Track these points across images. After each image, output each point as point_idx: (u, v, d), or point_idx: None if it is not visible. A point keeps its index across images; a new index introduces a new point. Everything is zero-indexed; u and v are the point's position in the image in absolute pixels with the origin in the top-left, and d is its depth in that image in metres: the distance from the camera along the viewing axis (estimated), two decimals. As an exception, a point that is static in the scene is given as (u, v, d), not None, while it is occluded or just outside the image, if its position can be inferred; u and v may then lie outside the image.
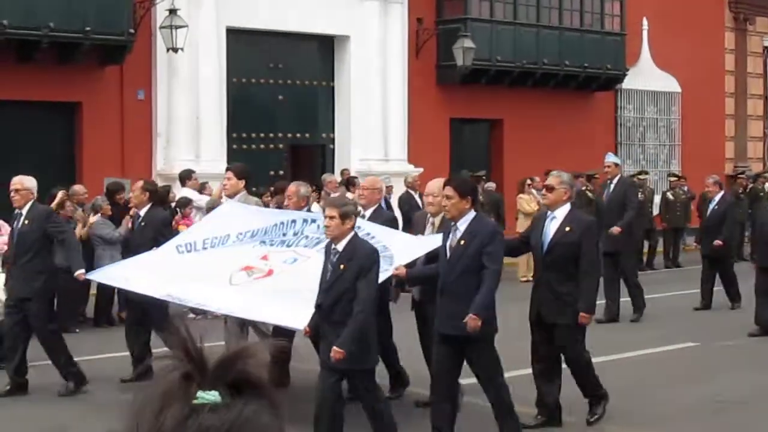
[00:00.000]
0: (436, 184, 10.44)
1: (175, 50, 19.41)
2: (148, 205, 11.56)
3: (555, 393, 9.15)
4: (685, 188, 23.24)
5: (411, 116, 23.43)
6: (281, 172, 21.20)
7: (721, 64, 30.11)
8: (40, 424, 9.45)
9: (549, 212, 9.07)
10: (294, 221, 9.54)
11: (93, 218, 14.55)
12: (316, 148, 23.11)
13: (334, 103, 23.15)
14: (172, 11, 19.16)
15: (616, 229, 14.94)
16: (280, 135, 22.41)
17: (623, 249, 15.29)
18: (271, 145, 22.23)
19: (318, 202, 17.67)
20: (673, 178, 23.85)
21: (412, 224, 11.31)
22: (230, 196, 11.20)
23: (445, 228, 8.57)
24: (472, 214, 8.28)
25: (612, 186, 15.53)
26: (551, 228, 8.88)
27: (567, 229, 8.80)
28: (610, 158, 15.86)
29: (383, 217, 10.29)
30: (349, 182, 18.89)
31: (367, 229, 9.53)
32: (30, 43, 18.30)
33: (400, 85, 23.31)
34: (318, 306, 8.05)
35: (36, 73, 18.59)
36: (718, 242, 15.90)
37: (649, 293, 16.07)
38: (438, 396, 8.55)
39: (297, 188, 11.35)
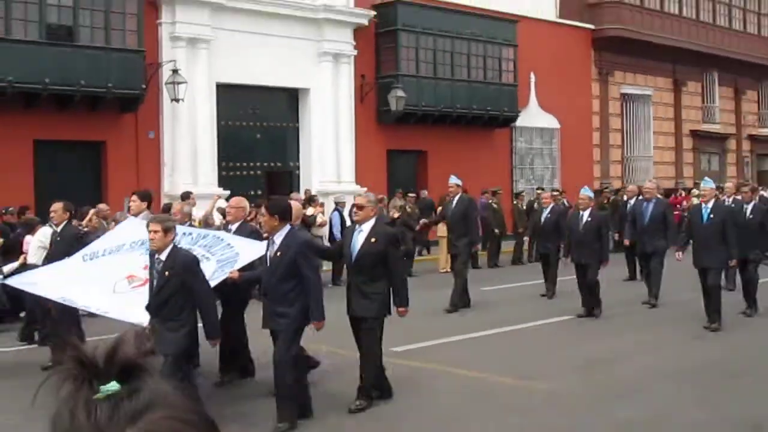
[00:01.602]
0: (235, 199, 10.42)
1: (177, 101, 19.52)
2: (64, 222, 10.80)
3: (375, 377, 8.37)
4: (565, 201, 23.62)
5: (357, 148, 23.58)
6: (259, 192, 21.30)
7: (590, 106, 30.51)
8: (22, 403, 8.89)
9: (357, 226, 8.40)
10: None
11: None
12: (285, 173, 23.08)
13: (299, 140, 23.24)
14: (175, 71, 19.34)
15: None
16: (258, 164, 22.55)
17: (460, 252, 14.42)
18: (252, 172, 22.37)
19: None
20: (555, 193, 24.15)
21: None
22: (135, 215, 10.45)
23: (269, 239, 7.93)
24: (286, 229, 7.65)
25: (454, 202, 14.76)
26: (359, 239, 8.24)
27: (372, 240, 8.17)
28: (453, 180, 15.13)
29: (247, 231, 9.60)
30: (310, 199, 19.06)
31: (227, 240, 9.16)
32: (66, 96, 18.37)
33: (349, 125, 23.48)
34: (147, 306, 7.40)
35: (71, 119, 18.66)
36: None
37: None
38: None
39: (181, 206, 10.85)
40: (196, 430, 1.04)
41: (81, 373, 1.05)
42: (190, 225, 10.66)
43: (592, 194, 14.23)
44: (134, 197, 10.90)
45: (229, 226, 9.96)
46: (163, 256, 7.27)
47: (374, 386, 8.36)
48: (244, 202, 10.43)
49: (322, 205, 18.98)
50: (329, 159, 23.09)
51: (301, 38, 22.41)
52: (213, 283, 8.25)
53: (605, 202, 23.82)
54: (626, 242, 15.87)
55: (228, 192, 20.33)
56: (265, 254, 7.86)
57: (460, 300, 14.30)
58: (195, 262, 7.51)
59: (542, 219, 16.25)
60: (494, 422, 7.58)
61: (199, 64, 20.51)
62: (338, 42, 23.07)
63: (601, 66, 30.83)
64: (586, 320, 13.10)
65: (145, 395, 1.04)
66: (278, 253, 7.55)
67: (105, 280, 8.66)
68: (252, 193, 20.92)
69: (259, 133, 22.54)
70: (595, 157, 30.68)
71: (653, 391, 8.66)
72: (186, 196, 17.94)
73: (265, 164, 22.75)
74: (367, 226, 8.29)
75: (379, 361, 8.32)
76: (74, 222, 13.48)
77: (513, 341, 11.72)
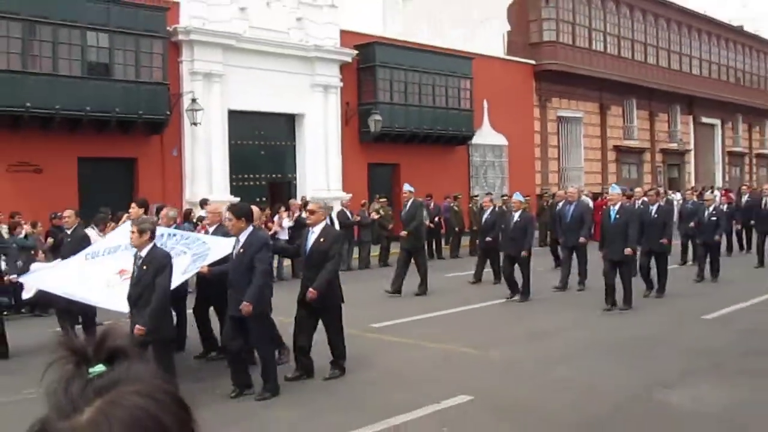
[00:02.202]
0: (212, 206, 9.99)
1: (195, 124, 19.57)
2: (75, 226, 10.31)
3: (307, 347, 8.07)
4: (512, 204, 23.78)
5: (343, 162, 23.59)
6: (264, 199, 21.35)
7: (532, 126, 30.63)
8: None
9: (311, 228, 8.14)
10: (162, 234, 8.39)
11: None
12: (285, 183, 23.02)
13: (295, 155, 23.21)
14: (194, 100, 19.39)
15: (404, 233, 14.16)
16: (263, 176, 22.50)
17: (414, 247, 14.22)
18: (257, 182, 22.30)
19: (287, 218, 17.97)
20: (504, 197, 24.30)
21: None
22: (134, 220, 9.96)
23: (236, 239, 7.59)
24: (249, 230, 7.38)
25: (407, 206, 14.52)
26: (311, 239, 8.01)
27: (321, 240, 7.94)
28: (406, 187, 14.75)
29: (222, 232, 8.93)
30: (305, 204, 19.09)
31: (203, 239, 8.86)
32: (103, 121, 18.29)
33: (336, 143, 23.49)
34: (129, 296, 7.09)
35: (108, 140, 18.61)
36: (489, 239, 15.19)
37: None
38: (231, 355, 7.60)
39: (167, 212, 10.26)
40: (160, 406, 0.95)
41: (73, 359, 1.01)
42: (176, 227, 10.04)
43: (522, 198, 14.11)
44: (133, 205, 10.41)
45: (208, 228, 9.68)
46: (143, 253, 7.04)
47: (340, 355, 8.18)
48: (220, 209, 9.79)
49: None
50: (320, 171, 23.10)
51: (296, 73, 22.46)
52: (189, 275, 8.08)
53: (546, 204, 24.03)
54: (560, 240, 15.65)
55: (238, 199, 20.34)
56: (232, 251, 7.57)
57: (398, 285, 13.97)
58: (167, 259, 7.17)
59: (483, 219, 16.09)
60: (458, 384, 7.67)
61: (213, 95, 20.52)
62: (327, 76, 23.13)
63: (541, 94, 30.99)
64: (529, 301, 13.19)
65: (116, 373, 0.98)
66: (242, 250, 7.33)
67: (101, 276, 8.38)
68: (258, 200, 20.94)
69: (262, 150, 22.50)
70: (536, 168, 30.80)
71: (585, 358, 8.80)
72: (204, 203, 17.95)
73: (268, 176, 22.69)
74: (318, 228, 8.09)
75: (343, 339, 8.12)
76: (111, 224, 13.54)
77: (471, 318, 11.82)
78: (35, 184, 17.43)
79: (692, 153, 41.15)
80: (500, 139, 28.89)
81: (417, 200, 14.88)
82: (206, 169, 20.47)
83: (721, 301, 12.67)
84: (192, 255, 8.35)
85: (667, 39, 38.19)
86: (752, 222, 18.82)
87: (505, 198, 23.69)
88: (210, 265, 8.18)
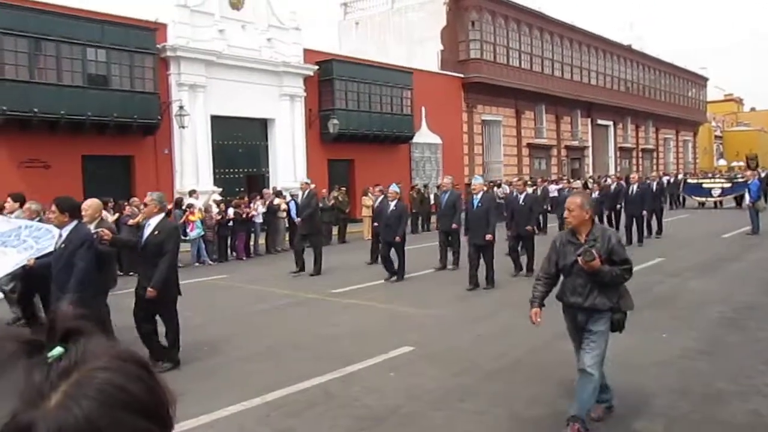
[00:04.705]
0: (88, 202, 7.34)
1: (183, 127, 19.22)
2: None
3: (156, 341, 6.74)
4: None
5: (308, 158, 23.38)
6: (242, 189, 21.01)
7: (461, 128, 30.71)
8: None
9: (147, 221, 6.86)
10: (19, 226, 7.46)
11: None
12: (259, 176, 22.72)
13: (268, 153, 22.95)
14: (181, 107, 19.05)
15: (298, 221, 13.32)
16: (241, 170, 22.19)
17: (309, 231, 13.13)
18: (236, 176, 21.97)
19: (262, 205, 17.73)
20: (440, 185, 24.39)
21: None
22: (9, 213, 8.63)
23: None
24: (72, 224, 6.18)
25: (304, 195, 13.44)
26: (146, 232, 6.74)
27: (156, 232, 6.64)
28: (304, 179, 13.94)
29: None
30: (278, 193, 18.94)
31: (53, 231, 7.03)
32: (104, 124, 17.82)
33: (302, 142, 23.26)
34: None
35: (109, 140, 18.15)
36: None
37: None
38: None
39: (29, 205, 8.65)
40: (126, 377, 0.80)
41: (25, 349, 0.82)
42: (40, 220, 8.24)
43: (398, 189, 12.70)
44: (8, 199, 8.97)
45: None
46: None
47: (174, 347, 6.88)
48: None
49: (284, 197, 18.88)
50: (289, 166, 22.87)
51: (267, 84, 22.16)
52: (19, 266, 7.05)
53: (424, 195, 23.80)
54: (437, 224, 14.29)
55: (220, 189, 20.17)
56: (55, 245, 6.38)
57: (300, 265, 13.05)
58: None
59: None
60: (401, 337, 7.69)
61: (198, 102, 20.14)
62: (293, 87, 22.88)
63: (468, 101, 31.05)
64: (448, 271, 12.73)
65: (74, 353, 0.81)
66: (63, 245, 6.17)
67: None
68: (237, 189, 20.72)
69: (240, 148, 22.18)
70: (465, 162, 30.94)
71: (500, 316, 8.84)
72: (192, 192, 17.71)
73: (245, 170, 22.38)
74: (153, 221, 6.75)
75: (178, 332, 6.86)
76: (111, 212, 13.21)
77: (406, 285, 11.64)
78: (44, 179, 16.88)
79: (590, 149, 41.87)
80: (435, 139, 28.92)
81: (312, 191, 13.72)
82: (193, 165, 20.10)
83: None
84: (37, 250, 7.16)
85: (570, 56, 38.69)
86: (619, 206, 17.62)
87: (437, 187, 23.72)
88: (37, 258, 6.96)
